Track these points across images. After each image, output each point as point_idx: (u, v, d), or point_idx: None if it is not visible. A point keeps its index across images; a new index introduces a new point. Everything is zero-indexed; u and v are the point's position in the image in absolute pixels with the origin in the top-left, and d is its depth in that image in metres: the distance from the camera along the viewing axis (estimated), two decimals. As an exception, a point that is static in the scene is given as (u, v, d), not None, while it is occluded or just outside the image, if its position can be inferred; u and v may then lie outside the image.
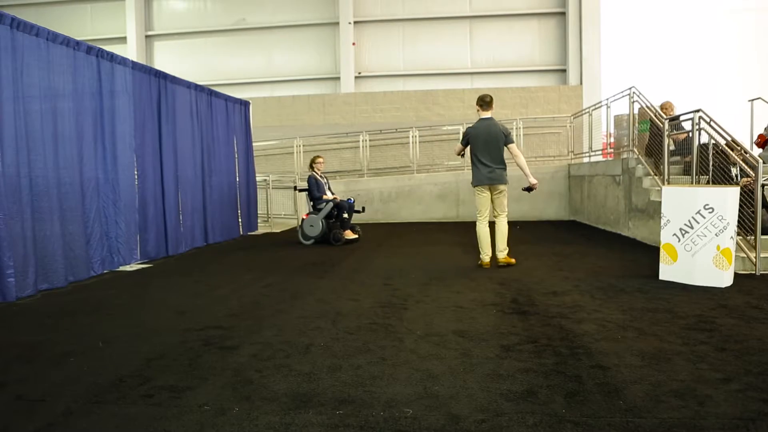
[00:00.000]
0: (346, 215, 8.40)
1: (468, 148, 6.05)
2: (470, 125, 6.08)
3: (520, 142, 12.79)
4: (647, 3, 14.71)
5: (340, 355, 3.09)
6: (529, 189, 6.01)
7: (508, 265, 5.87)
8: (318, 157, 8.55)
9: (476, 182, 5.89)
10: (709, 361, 2.88)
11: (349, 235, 8.27)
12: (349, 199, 8.55)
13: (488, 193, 5.88)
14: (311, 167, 8.46)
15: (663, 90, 11.18)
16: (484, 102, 5.92)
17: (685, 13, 14.40)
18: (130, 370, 2.88)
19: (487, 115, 5.90)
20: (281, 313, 4.09)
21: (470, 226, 10.69)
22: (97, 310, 4.34)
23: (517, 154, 5.88)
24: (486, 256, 5.96)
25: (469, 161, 6.17)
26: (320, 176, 8.41)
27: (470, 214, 12.39)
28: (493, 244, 5.95)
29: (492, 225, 5.97)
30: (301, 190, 8.72)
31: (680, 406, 2.33)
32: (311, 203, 8.37)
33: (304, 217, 8.38)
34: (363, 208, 8.93)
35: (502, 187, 5.86)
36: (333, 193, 8.56)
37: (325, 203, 8.19)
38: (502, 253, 5.89)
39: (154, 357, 3.10)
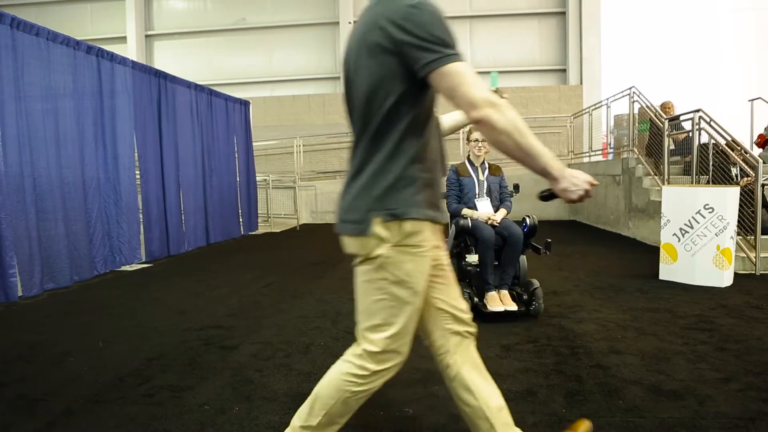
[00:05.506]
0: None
1: None
2: None
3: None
4: (647, 3, 14.71)
5: (340, 354, 3.07)
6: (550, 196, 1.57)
7: None
8: (474, 131, 4.09)
9: None
10: (709, 360, 2.88)
11: (498, 302, 3.77)
12: (524, 221, 4.10)
13: None
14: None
15: (663, 90, 11.16)
16: None
17: (686, 12, 14.40)
18: (131, 370, 2.88)
19: None
20: (281, 313, 4.09)
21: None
22: (98, 309, 4.34)
23: None
24: None
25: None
26: (478, 168, 4.18)
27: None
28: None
29: None
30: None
31: (680, 406, 2.33)
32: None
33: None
34: (547, 246, 3.99)
35: None
36: (501, 204, 4.22)
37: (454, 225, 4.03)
38: None
39: (154, 356, 3.10)
